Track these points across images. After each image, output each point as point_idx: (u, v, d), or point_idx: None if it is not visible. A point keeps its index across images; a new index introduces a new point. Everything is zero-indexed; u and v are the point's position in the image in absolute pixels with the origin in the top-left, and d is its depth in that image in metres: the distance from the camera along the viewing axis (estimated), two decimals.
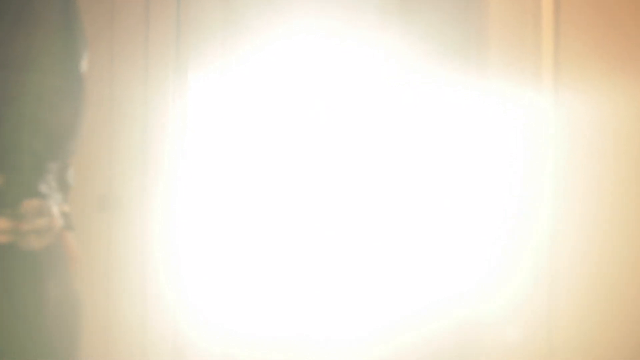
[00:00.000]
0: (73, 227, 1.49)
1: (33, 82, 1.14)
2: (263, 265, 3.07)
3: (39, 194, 1.16)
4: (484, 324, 2.77)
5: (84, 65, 1.28)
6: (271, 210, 3.09)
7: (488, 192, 2.80)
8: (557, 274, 2.64)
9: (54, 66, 1.18)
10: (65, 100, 1.19)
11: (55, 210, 1.19)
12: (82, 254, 2.68)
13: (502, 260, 2.73)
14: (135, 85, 2.88)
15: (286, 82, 3.15)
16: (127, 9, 2.89)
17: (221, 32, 3.12)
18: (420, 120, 2.98)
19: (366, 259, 3.02)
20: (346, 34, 3.13)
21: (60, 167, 1.27)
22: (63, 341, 1.19)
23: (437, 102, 2.94)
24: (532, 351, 2.66)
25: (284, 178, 3.10)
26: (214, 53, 3.10)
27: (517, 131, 2.73)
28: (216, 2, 3.13)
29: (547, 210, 2.66)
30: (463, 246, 2.91)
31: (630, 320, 2.60)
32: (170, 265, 2.86)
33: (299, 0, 3.23)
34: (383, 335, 2.95)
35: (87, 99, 1.28)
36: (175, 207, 2.85)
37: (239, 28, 3.16)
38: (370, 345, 2.96)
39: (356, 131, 3.10)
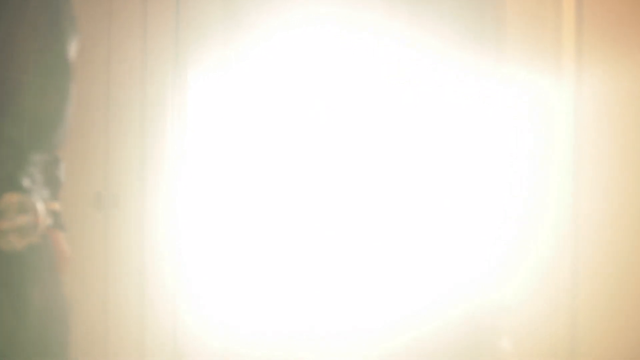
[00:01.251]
0: (64, 227, 1.38)
1: (13, 66, 1.04)
2: (262, 263, 3.01)
3: (21, 187, 1.05)
4: (503, 308, 2.70)
5: (72, 50, 1.17)
6: (271, 207, 3.03)
7: (509, 176, 2.73)
8: (580, 258, 2.57)
9: (36, 50, 1.08)
10: (49, 86, 1.09)
11: (40, 206, 1.09)
12: (77, 255, 2.61)
13: (522, 244, 2.66)
14: (133, 81, 2.81)
15: (288, 79, 3.10)
16: (125, 3, 2.82)
17: (221, 27, 3.05)
18: (435, 108, 2.92)
19: (378, 247, 2.95)
20: (352, 23, 3.06)
21: (46, 160, 1.16)
22: (48, 351, 1.08)
23: (452, 88, 2.87)
24: (554, 335, 2.59)
25: (285, 175, 3.04)
26: (214, 49, 3.03)
27: (536, 116, 2.65)
28: None
29: (568, 194, 2.58)
30: (481, 230, 2.85)
31: None
32: (169, 265, 2.79)
33: None
34: (399, 325, 2.89)
35: (75, 86, 1.17)
36: (173, 206, 2.77)
37: (239, 22, 3.09)
38: (381, 337, 2.90)
39: (364, 125, 3.04)
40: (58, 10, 1.13)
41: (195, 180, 2.91)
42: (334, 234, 3.01)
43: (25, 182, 1.07)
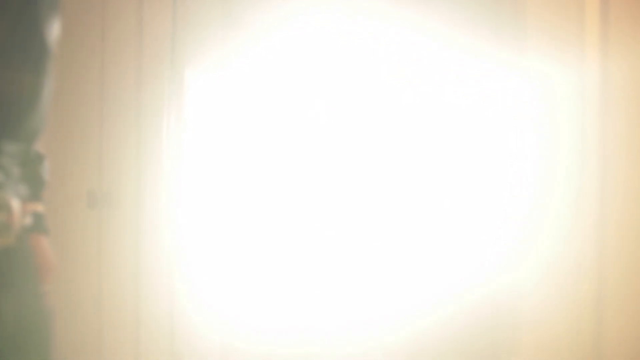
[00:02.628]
0: (48, 231, 1.25)
1: None
2: (259, 262, 2.96)
3: None
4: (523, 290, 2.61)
5: (51, 31, 1.04)
6: (267, 205, 2.99)
7: (533, 169, 2.64)
8: (605, 245, 2.48)
9: (8, 30, 0.95)
10: (22, 69, 0.96)
11: (15, 204, 0.96)
12: (70, 255, 2.50)
13: (546, 231, 2.58)
14: (128, 79, 2.73)
15: (287, 77, 3.06)
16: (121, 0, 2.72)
17: (219, 25, 2.98)
18: (454, 98, 2.84)
19: (394, 233, 2.89)
20: (360, 15, 2.97)
21: (24, 153, 1.03)
22: None
23: (470, 82, 2.78)
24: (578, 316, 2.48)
25: (284, 172, 2.99)
26: (211, 46, 2.96)
27: (561, 109, 2.54)
28: None
29: (595, 186, 2.49)
30: (501, 213, 2.77)
31: None
32: (164, 265, 2.69)
33: None
34: (417, 311, 2.83)
35: (53, 69, 1.04)
36: (168, 204, 2.67)
37: (238, 21, 3.02)
38: (396, 325, 2.83)
39: (370, 122, 2.97)
40: None
41: (191, 178, 2.85)
42: (342, 225, 2.96)
43: None
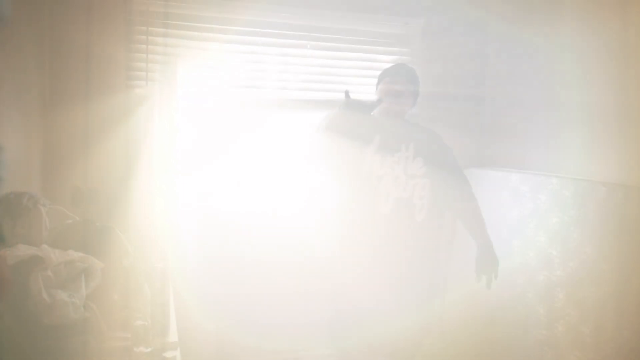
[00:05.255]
0: (4, 239, 1.13)
1: None
2: (252, 259, 2.97)
3: None
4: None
5: None
6: (259, 203, 3.00)
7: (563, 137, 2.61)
8: None
9: None
10: None
11: None
12: (55, 256, 2.44)
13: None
14: (117, 73, 2.67)
15: (281, 74, 3.01)
16: None
17: (214, 20, 2.93)
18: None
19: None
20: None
21: None
22: None
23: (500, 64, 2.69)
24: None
25: (275, 168, 3.01)
26: (204, 42, 2.94)
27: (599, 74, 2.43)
28: None
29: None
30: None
31: None
32: (156, 262, 2.63)
33: None
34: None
35: None
36: (157, 202, 2.62)
37: (232, 16, 2.96)
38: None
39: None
40: None
41: (181, 174, 2.81)
42: (348, 213, 2.91)
43: None
